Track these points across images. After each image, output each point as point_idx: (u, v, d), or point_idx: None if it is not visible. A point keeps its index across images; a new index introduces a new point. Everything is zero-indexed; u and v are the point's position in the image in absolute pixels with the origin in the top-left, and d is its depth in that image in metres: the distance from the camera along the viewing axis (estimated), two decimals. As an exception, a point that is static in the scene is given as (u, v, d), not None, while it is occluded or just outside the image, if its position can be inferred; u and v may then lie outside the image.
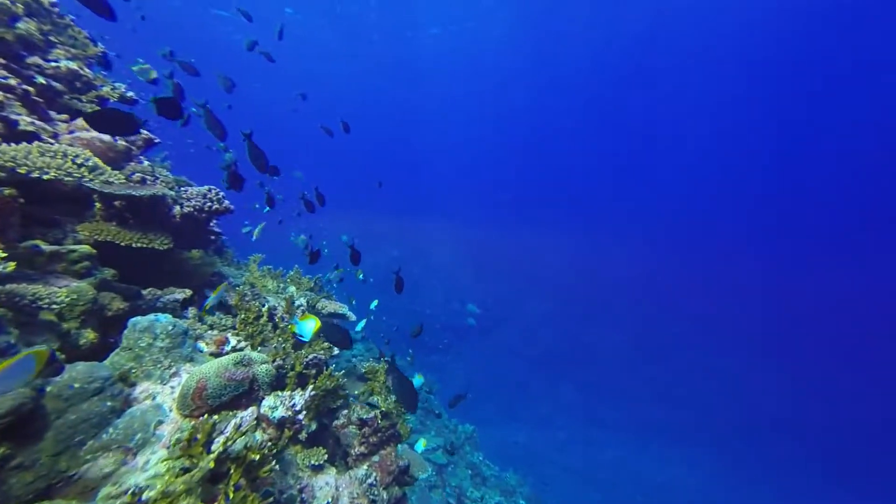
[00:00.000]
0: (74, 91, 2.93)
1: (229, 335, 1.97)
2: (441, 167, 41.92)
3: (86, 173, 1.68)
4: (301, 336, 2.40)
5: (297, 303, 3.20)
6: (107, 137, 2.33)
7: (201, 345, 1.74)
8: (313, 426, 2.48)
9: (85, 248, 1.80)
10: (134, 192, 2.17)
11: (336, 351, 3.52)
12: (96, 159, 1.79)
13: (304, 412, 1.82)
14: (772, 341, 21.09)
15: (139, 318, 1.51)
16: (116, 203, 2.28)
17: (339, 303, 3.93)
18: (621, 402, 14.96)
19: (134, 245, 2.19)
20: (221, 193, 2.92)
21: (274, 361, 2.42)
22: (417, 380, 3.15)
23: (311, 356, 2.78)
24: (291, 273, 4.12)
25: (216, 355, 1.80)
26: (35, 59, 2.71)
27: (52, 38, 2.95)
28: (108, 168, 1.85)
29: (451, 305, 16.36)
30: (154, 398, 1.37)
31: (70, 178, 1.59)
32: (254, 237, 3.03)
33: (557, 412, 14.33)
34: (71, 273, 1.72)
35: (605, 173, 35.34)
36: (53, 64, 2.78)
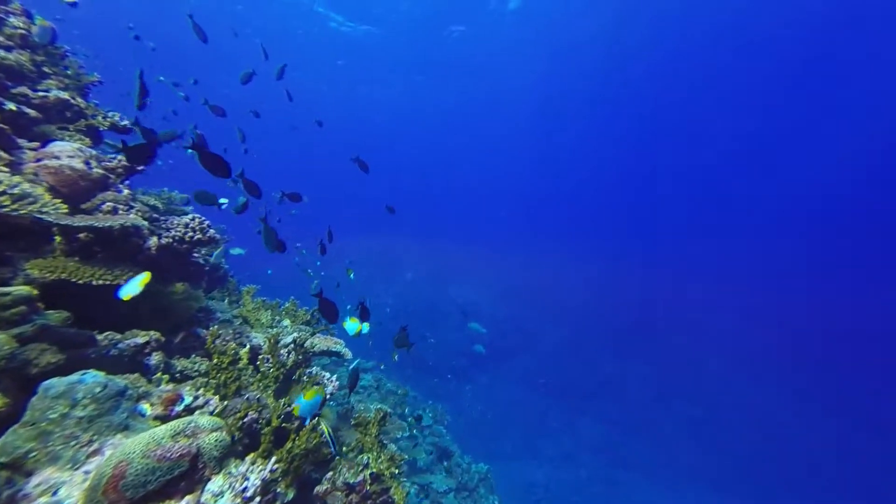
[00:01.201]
0: (64, 120, 2.86)
1: (185, 390, 1.66)
2: (457, 188, 42.17)
3: (6, 202, 1.47)
4: (304, 418, 2.10)
5: (283, 341, 2.89)
6: (78, 165, 2.16)
7: (144, 406, 1.44)
8: (290, 494, 2.10)
9: (23, 289, 1.55)
10: (96, 224, 1.96)
11: (329, 391, 3.15)
12: (27, 185, 1.59)
13: (263, 495, 1.46)
14: (821, 382, 19.15)
15: (55, 380, 1.22)
16: (81, 236, 2.07)
17: (335, 338, 3.61)
18: (650, 440, 13.72)
19: (95, 283, 1.96)
20: (206, 223, 2.71)
21: (246, 416, 2.09)
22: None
23: (292, 406, 2.43)
24: (287, 305, 3.85)
25: (164, 419, 1.48)
26: (22, 89, 2.65)
27: (45, 69, 2.92)
28: (47, 196, 1.65)
29: (466, 331, 15.79)
30: (55, 492, 1.06)
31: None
32: (212, 260, 2.80)
33: (579, 449, 13.25)
34: (1, 321, 1.47)
35: (631, 194, 34.49)
36: (42, 93, 2.72)
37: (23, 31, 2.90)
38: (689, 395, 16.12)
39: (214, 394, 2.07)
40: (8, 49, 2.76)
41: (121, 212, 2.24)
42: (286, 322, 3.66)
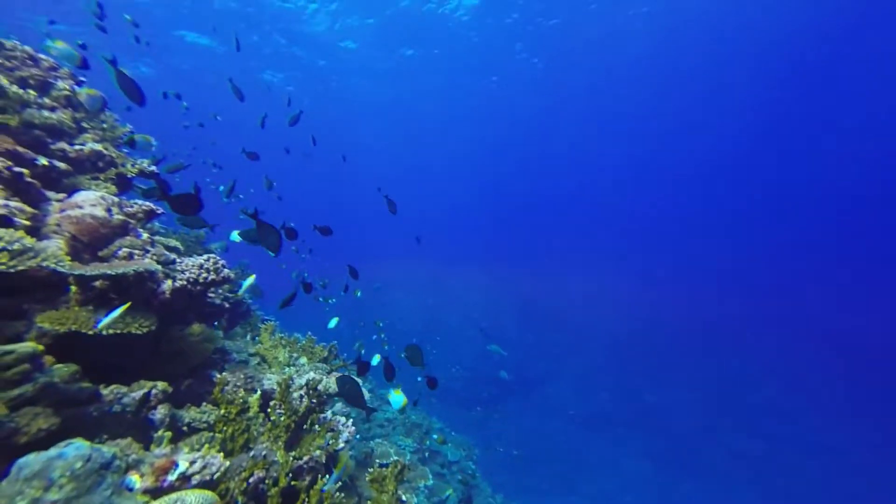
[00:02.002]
0: (97, 169, 3.01)
1: (181, 454, 1.53)
2: (481, 208, 42.22)
3: (3, 259, 1.46)
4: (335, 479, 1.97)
5: (297, 382, 2.76)
6: (100, 213, 2.21)
7: (133, 478, 1.32)
8: (298, 568, 1.88)
9: (27, 346, 1.51)
10: (110, 271, 1.95)
11: (344, 439, 2.95)
12: (30, 240, 1.58)
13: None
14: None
15: (31, 457, 1.12)
16: (97, 284, 2.06)
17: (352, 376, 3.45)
18: (699, 478, 12.28)
19: (105, 333, 1.92)
20: (221, 262, 2.70)
21: (252, 476, 1.92)
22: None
23: (304, 459, 2.25)
24: (303, 341, 3.76)
25: (155, 492, 1.35)
26: (61, 145, 2.82)
27: (84, 125, 3.13)
28: (51, 249, 1.64)
29: (490, 357, 15.20)
30: None
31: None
32: (240, 293, 2.77)
33: (623, 487, 12.04)
34: (1, 382, 1.42)
35: (664, 210, 32.96)
36: (78, 147, 2.89)
37: (67, 93, 3.15)
38: (744, 427, 14.45)
39: (219, 450, 1.93)
40: (52, 109, 2.98)
41: (136, 256, 2.25)
42: (303, 360, 3.56)
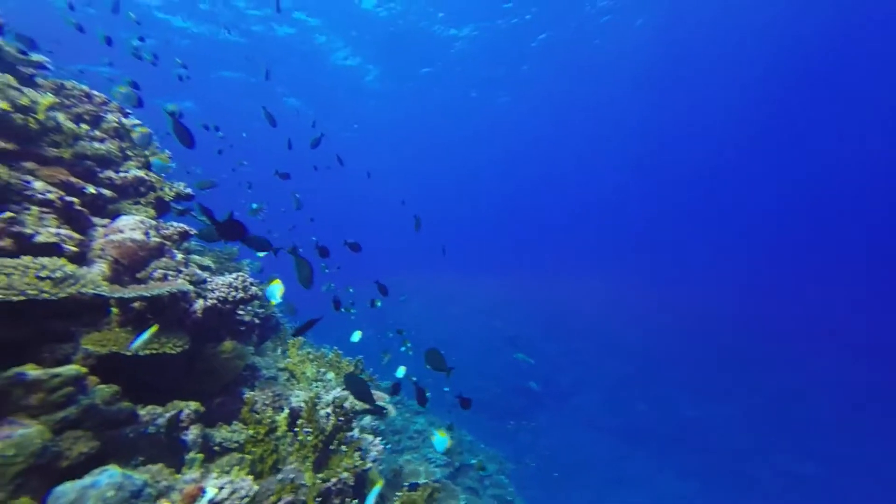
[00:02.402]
0: (138, 194, 3.20)
1: (209, 482, 1.52)
2: (505, 217, 41.86)
3: (47, 287, 1.52)
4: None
5: (324, 399, 2.75)
6: (139, 236, 2.32)
7: (163, 506, 1.32)
8: None
9: (71, 368, 1.57)
10: (146, 293, 2.02)
11: (372, 458, 2.90)
12: (71, 267, 1.66)
13: None
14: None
15: (67, 485, 1.14)
16: (136, 305, 2.15)
17: (380, 391, 3.41)
18: (749, 500, 11.23)
19: (141, 353, 1.98)
20: (249, 280, 2.76)
21: (280, 500, 1.90)
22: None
23: (331, 481, 2.21)
24: (330, 356, 3.77)
25: (184, 518, 1.34)
26: (108, 173, 3.02)
27: (128, 153, 3.35)
28: (90, 275, 1.72)
29: (519, 368, 14.79)
30: None
31: (20, 297, 1.42)
32: (272, 304, 2.86)
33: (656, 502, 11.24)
34: (48, 405, 1.47)
35: (701, 207, 31.20)
36: (123, 174, 3.08)
37: (115, 125, 3.39)
38: (795, 448, 13.07)
39: (249, 472, 1.93)
40: (102, 141, 3.22)
41: (171, 277, 2.33)
42: (330, 375, 3.57)
